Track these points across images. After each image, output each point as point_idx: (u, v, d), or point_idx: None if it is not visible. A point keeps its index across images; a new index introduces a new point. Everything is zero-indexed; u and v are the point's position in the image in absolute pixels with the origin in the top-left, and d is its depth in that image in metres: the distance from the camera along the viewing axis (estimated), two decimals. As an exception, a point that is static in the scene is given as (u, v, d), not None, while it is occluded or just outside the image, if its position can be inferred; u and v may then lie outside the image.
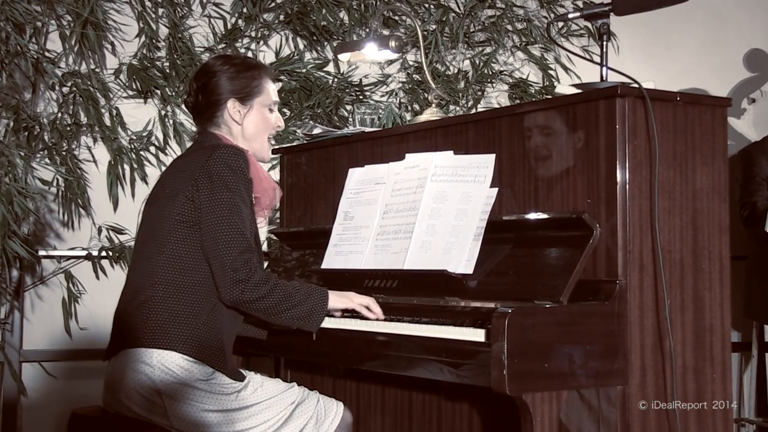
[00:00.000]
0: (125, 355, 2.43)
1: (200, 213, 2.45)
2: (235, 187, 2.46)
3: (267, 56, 4.44)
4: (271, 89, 2.70)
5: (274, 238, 3.74)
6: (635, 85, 2.39)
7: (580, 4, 4.73)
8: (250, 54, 4.42)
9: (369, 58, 3.55)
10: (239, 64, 2.66)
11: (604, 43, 2.57)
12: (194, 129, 4.19)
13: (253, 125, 2.67)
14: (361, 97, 4.50)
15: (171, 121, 4.25)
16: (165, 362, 2.38)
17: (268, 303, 2.46)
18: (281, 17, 4.44)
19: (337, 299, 2.59)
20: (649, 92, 2.38)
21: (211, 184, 2.45)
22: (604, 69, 2.56)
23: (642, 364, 2.34)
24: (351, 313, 2.65)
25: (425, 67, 3.29)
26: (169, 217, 2.48)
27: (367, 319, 2.61)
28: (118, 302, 2.56)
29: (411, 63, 4.59)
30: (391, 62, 4.56)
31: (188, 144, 4.16)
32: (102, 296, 4.05)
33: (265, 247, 4.28)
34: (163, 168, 3.53)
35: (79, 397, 3.96)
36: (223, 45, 4.35)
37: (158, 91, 4.23)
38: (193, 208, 2.46)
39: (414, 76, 4.56)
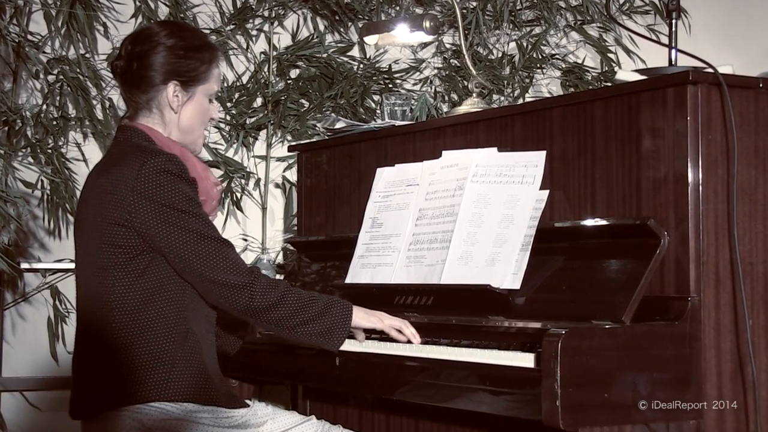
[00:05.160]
0: (106, 419, 2.42)
1: (153, 242, 2.42)
2: (180, 197, 2.42)
3: (282, 39, 4.47)
4: (217, 77, 2.64)
5: (291, 248, 3.76)
6: (710, 70, 2.38)
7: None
8: (263, 37, 4.44)
9: (400, 41, 3.56)
10: (189, 39, 2.58)
11: (674, 21, 2.56)
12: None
13: (190, 116, 2.59)
14: (390, 85, 4.51)
15: (172, 114, 4.28)
16: (155, 415, 2.39)
17: (281, 313, 2.45)
18: (298, -6, 4.47)
19: (363, 316, 2.57)
20: (727, 78, 2.37)
21: (154, 208, 2.41)
22: (674, 51, 2.55)
23: (719, 395, 2.33)
24: (379, 335, 2.65)
25: (464, 51, 3.30)
26: (107, 249, 2.44)
27: (398, 341, 2.62)
28: (75, 343, 2.56)
29: (448, 46, 4.59)
30: (425, 45, 4.57)
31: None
32: (93, 315, 4.08)
33: (280, 259, 4.30)
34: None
35: (65, 431, 3.98)
36: (232, 26, 4.38)
37: (157, 80, 4.26)
38: (135, 235, 2.42)
39: (452, 61, 4.57)
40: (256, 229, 4.39)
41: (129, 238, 2.43)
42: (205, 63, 2.59)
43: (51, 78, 4.15)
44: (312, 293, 2.55)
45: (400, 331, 2.61)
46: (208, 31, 4.32)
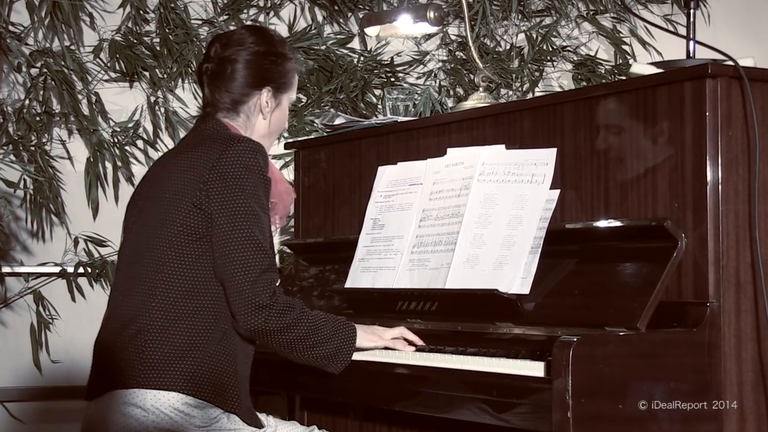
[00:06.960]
0: (112, 397, 2.44)
1: (211, 224, 2.47)
2: (252, 191, 2.49)
3: (279, 30, 4.46)
4: (295, 86, 2.78)
5: (288, 251, 3.76)
6: (730, 63, 2.38)
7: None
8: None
9: (402, 32, 3.56)
10: (278, 46, 2.71)
11: (692, 11, 2.57)
12: (190, 117, 4.22)
13: (275, 122, 2.73)
14: (392, 79, 4.51)
15: (162, 110, 4.28)
16: (161, 406, 2.39)
17: (293, 336, 2.49)
18: (295, -18, 4.47)
19: (365, 336, 2.63)
20: (748, 71, 2.37)
21: (225, 188, 2.47)
22: (692, 43, 2.55)
23: (740, 405, 2.33)
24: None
25: (471, 43, 3.30)
26: (171, 227, 2.49)
27: (402, 350, 2.64)
28: (100, 330, 2.58)
29: (453, 38, 4.60)
30: (429, 37, 4.57)
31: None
32: (79, 322, 4.08)
33: (277, 262, 4.30)
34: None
35: (50, 444, 3.99)
36: (225, 17, 4.39)
37: (146, 73, 4.26)
38: (202, 218, 2.48)
39: (457, 53, 4.57)
40: (251, 230, 4.39)
41: (196, 219, 2.48)
42: (291, 71, 2.73)
43: (34, 71, 4.15)
44: (319, 314, 2.58)
45: (401, 339, 2.64)
46: (199, 23, 4.33)
